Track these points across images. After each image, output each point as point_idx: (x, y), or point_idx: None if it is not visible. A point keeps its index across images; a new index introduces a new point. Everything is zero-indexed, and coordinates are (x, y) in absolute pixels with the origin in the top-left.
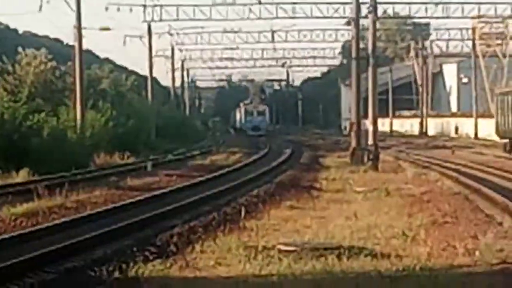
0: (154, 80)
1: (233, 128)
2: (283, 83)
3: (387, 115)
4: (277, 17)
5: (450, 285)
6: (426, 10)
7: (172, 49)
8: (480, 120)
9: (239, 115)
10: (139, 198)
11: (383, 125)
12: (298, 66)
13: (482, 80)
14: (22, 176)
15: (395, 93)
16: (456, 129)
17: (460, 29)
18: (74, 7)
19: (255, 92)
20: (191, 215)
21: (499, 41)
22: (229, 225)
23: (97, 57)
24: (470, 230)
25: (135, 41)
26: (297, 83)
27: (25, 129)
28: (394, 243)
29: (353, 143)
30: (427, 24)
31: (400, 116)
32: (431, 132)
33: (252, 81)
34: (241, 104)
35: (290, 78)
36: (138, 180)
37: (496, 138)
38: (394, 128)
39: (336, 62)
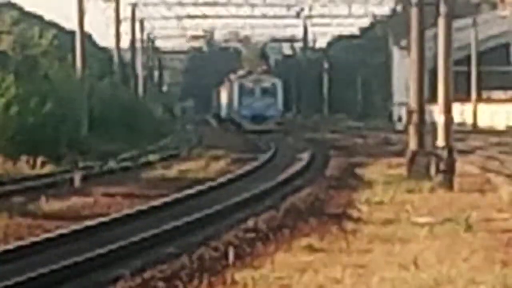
0: (88, 38)
1: (215, 118)
2: (298, 45)
3: (469, 98)
4: None
5: None
6: None
7: None
8: None
9: (226, 95)
10: (61, 231)
11: (463, 114)
12: (323, 17)
13: None
14: None
15: (483, 63)
16: None
17: None
18: None
19: (253, 59)
20: (146, 260)
21: None
22: (208, 278)
23: None
24: None
25: None
26: (321, 44)
27: None
28: None
29: (413, 144)
30: None
31: (489, 100)
32: None
33: (247, 41)
34: (232, 77)
35: (310, 37)
36: (60, 202)
37: None
38: (480, 119)
39: (385, 10)
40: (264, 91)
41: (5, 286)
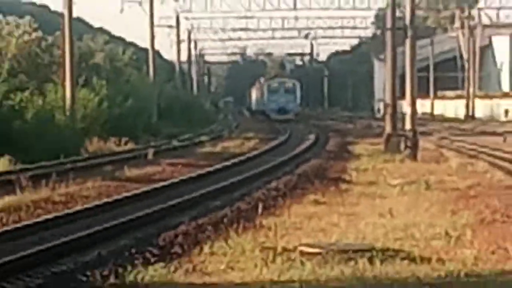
0: (157, 54)
1: (248, 110)
2: (307, 58)
3: (427, 96)
4: None
5: None
6: None
7: (177, 17)
8: None
9: (256, 93)
10: (138, 191)
11: (423, 107)
12: (324, 38)
13: None
14: (2, 164)
15: (437, 70)
16: (506, 112)
17: None
18: None
19: (274, 68)
20: (199, 211)
21: None
22: (244, 223)
23: (90, 26)
24: None
25: (134, 8)
26: (322, 57)
27: (6, 110)
28: (436, 244)
29: (388, 128)
30: None
31: (443, 97)
32: (478, 115)
33: (270, 55)
34: (262, 80)
35: (315, 52)
36: (138, 170)
37: None
38: (436, 110)
39: (368, 33)
40: (286, 90)
41: (108, 227)
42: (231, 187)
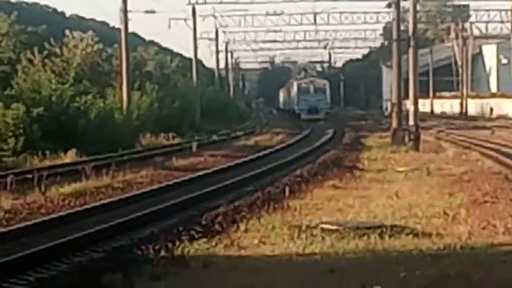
0: (199, 62)
1: (276, 110)
2: (325, 65)
3: (427, 96)
4: (319, 0)
5: (491, 263)
6: None
7: (216, 32)
8: None
9: (286, 93)
10: (184, 178)
11: (424, 106)
12: (340, 48)
13: None
14: (70, 157)
15: (436, 75)
16: (491, 110)
17: (500, 10)
18: None
19: (299, 73)
20: (236, 194)
21: None
22: (273, 205)
23: (143, 39)
24: (510, 209)
25: (179, 23)
26: (338, 64)
27: (73, 110)
28: (435, 222)
29: (394, 124)
30: (467, 6)
31: (440, 97)
32: (471, 112)
33: (294, 62)
34: (292, 80)
35: (332, 60)
36: (184, 161)
37: None
38: (435, 109)
39: (377, 43)
40: (317, 90)
41: (159, 209)
42: (262, 174)
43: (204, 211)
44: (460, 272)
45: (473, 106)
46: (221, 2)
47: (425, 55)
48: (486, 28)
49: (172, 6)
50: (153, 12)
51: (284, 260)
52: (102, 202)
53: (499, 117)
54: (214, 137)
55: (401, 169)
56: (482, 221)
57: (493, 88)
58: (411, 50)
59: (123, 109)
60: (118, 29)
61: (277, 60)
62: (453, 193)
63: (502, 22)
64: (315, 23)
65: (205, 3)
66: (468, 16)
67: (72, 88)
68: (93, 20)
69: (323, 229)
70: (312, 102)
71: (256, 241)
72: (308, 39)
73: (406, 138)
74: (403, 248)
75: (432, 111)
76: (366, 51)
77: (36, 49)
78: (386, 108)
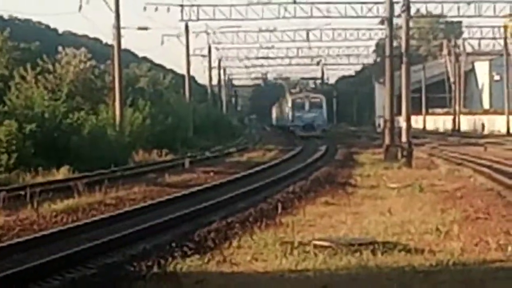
0: (192, 79)
1: (269, 126)
2: (318, 81)
3: (420, 113)
4: (311, 17)
5: (483, 279)
6: (458, 9)
7: (209, 48)
8: None
9: (278, 110)
10: (177, 194)
11: (417, 122)
12: (333, 64)
13: None
14: (62, 173)
15: (428, 91)
16: (483, 126)
17: (492, 27)
18: (113, 7)
19: (294, 87)
20: (228, 211)
21: None
22: (266, 221)
23: (136, 56)
24: (503, 225)
25: (172, 40)
26: (331, 81)
27: (65, 127)
28: (428, 238)
29: (387, 140)
30: (459, 23)
31: (433, 114)
32: (463, 128)
33: (287, 79)
34: (287, 95)
35: (325, 76)
36: (176, 177)
37: None
38: (427, 125)
39: (370, 60)
40: (312, 105)
41: (152, 225)
42: (255, 191)
43: (197, 227)
44: None
45: (466, 123)
46: (214, 19)
47: (418, 72)
48: (479, 45)
49: (165, 22)
50: (146, 28)
51: (276, 276)
52: (94, 218)
53: (489, 133)
54: (207, 154)
55: (393, 185)
56: (475, 238)
57: (486, 105)
58: (403, 67)
59: (116, 126)
60: (111, 46)
61: (270, 77)
62: (446, 210)
63: (494, 38)
64: (308, 39)
65: (198, 19)
66: (461, 33)
67: (65, 104)
68: (86, 36)
69: (315, 246)
70: (308, 118)
71: (248, 258)
72: (301, 55)
73: (399, 155)
74: (395, 265)
75: (424, 128)
76: (359, 67)
77: (29, 66)
78: (379, 125)
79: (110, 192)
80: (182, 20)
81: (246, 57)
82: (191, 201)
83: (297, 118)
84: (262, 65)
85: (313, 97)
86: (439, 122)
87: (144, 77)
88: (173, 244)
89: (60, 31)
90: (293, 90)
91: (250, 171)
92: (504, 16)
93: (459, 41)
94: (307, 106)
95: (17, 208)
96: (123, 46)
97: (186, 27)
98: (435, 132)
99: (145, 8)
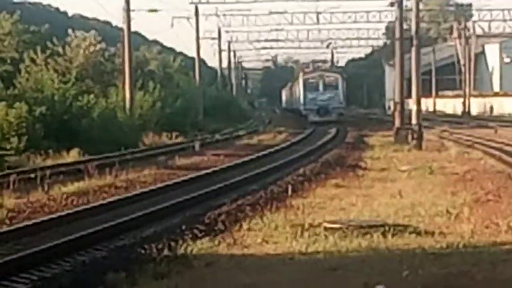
0: (202, 61)
1: (279, 109)
2: (328, 64)
3: (430, 95)
4: None
5: (493, 261)
6: None
7: (219, 31)
8: None
9: (289, 92)
10: (187, 177)
11: (427, 105)
12: (343, 47)
13: None
14: (73, 156)
15: (438, 73)
16: (491, 108)
17: (502, 9)
18: None
19: (307, 66)
20: (239, 193)
21: None
22: (276, 204)
23: (146, 38)
24: None
25: (182, 22)
26: (341, 63)
27: (76, 109)
28: (438, 220)
29: (397, 123)
30: (470, 5)
31: (443, 96)
32: (473, 111)
33: (297, 62)
34: (301, 74)
35: (335, 59)
36: (186, 160)
37: None
38: (437, 107)
39: (380, 43)
40: (326, 86)
41: (162, 207)
42: (265, 173)
43: (207, 210)
44: (463, 270)
45: (476, 105)
46: (224, 2)
47: (428, 54)
48: (489, 27)
49: (175, 4)
50: (156, 11)
51: (287, 258)
52: (104, 201)
53: (501, 115)
54: (217, 136)
55: (404, 168)
56: (485, 220)
57: (496, 87)
58: (413, 49)
59: (126, 108)
60: (121, 28)
61: (280, 60)
62: (456, 192)
63: (504, 21)
64: (318, 22)
65: (207, 2)
66: (471, 15)
67: (74, 87)
68: (95, 19)
69: (326, 228)
70: (322, 100)
71: (259, 240)
72: (311, 38)
73: (409, 137)
74: (406, 247)
75: (434, 110)
76: (368, 50)
77: (39, 49)
78: (389, 107)
79: (121, 174)
80: (192, 2)
81: (256, 39)
82: (201, 183)
83: (310, 100)
84: (272, 48)
85: (328, 75)
86: (449, 104)
87: (154, 60)
88: (184, 227)
89: (70, 14)
90: (306, 70)
91: (260, 153)
92: None
93: (469, 24)
94: (321, 87)
95: (28, 190)
96: (133, 29)
97: (196, 9)
98: (445, 115)
99: None
